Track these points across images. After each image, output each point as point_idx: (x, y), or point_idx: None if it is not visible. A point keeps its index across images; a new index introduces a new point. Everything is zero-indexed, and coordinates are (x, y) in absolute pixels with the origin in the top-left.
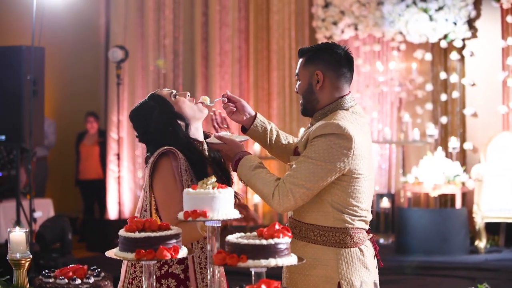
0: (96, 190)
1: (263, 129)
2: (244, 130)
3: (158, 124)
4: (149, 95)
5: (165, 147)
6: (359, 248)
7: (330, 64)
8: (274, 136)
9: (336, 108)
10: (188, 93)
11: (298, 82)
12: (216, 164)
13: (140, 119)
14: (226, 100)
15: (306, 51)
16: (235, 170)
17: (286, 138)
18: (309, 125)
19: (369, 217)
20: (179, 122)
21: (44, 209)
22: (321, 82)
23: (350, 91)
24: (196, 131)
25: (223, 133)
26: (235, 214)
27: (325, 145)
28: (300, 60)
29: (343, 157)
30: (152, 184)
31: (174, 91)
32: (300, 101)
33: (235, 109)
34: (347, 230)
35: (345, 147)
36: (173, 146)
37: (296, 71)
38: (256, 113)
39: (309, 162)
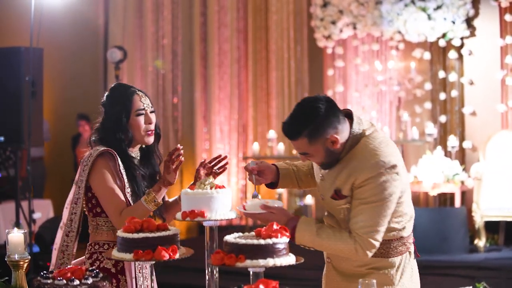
0: None
1: (288, 174)
2: (272, 185)
3: (111, 120)
4: (122, 85)
5: (104, 149)
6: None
7: (332, 120)
8: (298, 173)
9: (356, 140)
10: (151, 123)
11: (304, 156)
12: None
13: (107, 100)
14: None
15: (302, 130)
16: (292, 238)
17: (303, 166)
18: None
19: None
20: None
21: (43, 210)
22: (338, 140)
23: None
24: (133, 146)
25: (257, 201)
26: (233, 214)
27: (379, 185)
28: (300, 140)
29: (397, 187)
30: (89, 181)
31: (143, 109)
32: (319, 164)
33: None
34: (400, 239)
35: (396, 178)
36: (113, 145)
37: (302, 151)
38: (275, 165)
39: (373, 206)
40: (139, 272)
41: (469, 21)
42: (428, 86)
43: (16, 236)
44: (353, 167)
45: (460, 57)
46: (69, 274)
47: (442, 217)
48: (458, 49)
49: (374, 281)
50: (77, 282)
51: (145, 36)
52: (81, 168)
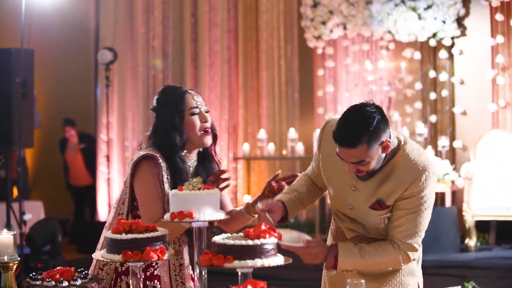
0: (86, 194)
1: (294, 204)
2: (282, 219)
3: (164, 123)
4: (172, 87)
5: (147, 153)
6: None
7: (385, 124)
8: (300, 196)
9: (394, 149)
10: (207, 120)
11: (358, 165)
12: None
13: (157, 104)
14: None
15: (362, 136)
16: (335, 267)
17: (302, 187)
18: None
19: None
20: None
21: (34, 212)
22: (389, 144)
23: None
24: (188, 151)
25: (294, 234)
26: (221, 215)
27: (426, 195)
28: (360, 147)
29: (434, 190)
30: (133, 183)
31: (197, 107)
32: (361, 174)
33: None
34: None
35: (434, 183)
36: (164, 152)
37: (359, 159)
38: (282, 201)
39: (419, 215)
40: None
41: (459, 21)
42: (418, 86)
43: (6, 238)
44: (399, 178)
45: (451, 56)
46: (58, 276)
47: (432, 216)
48: (449, 48)
49: (363, 281)
50: (65, 283)
51: (136, 37)
52: (127, 168)
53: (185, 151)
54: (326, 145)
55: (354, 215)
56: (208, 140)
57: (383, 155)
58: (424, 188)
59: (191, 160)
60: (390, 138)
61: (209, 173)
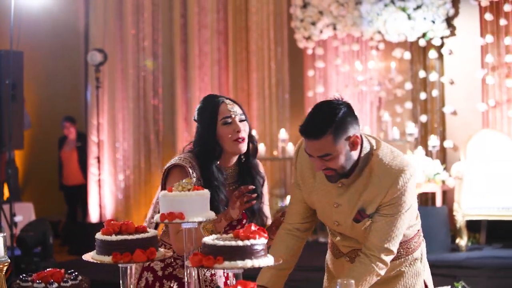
0: (78, 194)
1: (283, 276)
2: None
3: (201, 131)
4: (210, 96)
5: (179, 162)
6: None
7: (353, 119)
8: (284, 266)
9: (367, 156)
10: (239, 130)
11: (324, 159)
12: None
13: (197, 112)
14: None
15: (327, 127)
16: None
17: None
18: (340, 184)
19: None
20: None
21: (25, 213)
22: (358, 141)
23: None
24: (226, 160)
25: None
26: (212, 215)
27: (406, 198)
28: (324, 139)
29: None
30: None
31: (230, 116)
32: (330, 173)
33: None
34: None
35: (414, 184)
36: (199, 160)
37: (325, 152)
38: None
39: (398, 218)
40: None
41: (449, 21)
42: (408, 86)
43: None
44: (377, 184)
45: (440, 56)
46: (48, 277)
47: (423, 216)
48: (438, 48)
49: (353, 281)
50: (56, 285)
51: (126, 38)
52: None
53: (219, 160)
54: (303, 167)
55: (342, 230)
56: (242, 146)
57: (352, 153)
58: (404, 191)
59: (229, 170)
60: (359, 136)
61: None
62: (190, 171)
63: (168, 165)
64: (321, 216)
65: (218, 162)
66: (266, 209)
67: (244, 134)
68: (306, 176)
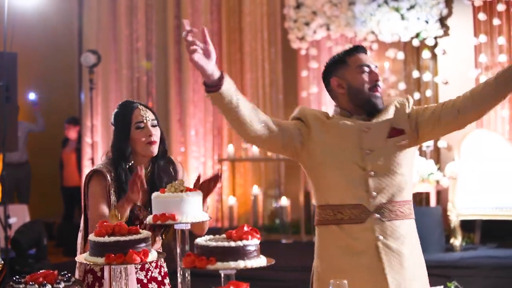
0: (76, 196)
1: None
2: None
3: (116, 132)
4: (125, 102)
5: (97, 168)
6: None
7: None
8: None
9: None
10: (151, 135)
11: (377, 69)
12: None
13: (113, 117)
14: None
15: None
16: None
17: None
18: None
19: None
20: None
21: (19, 215)
22: None
23: None
24: (139, 162)
25: None
26: (205, 217)
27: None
28: (370, 54)
29: None
30: (86, 194)
31: (142, 122)
32: (378, 92)
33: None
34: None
35: None
36: (113, 160)
37: (376, 64)
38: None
39: None
40: None
41: (442, 21)
42: (402, 86)
43: None
44: (395, 101)
45: (434, 56)
46: (41, 279)
47: (417, 216)
48: (432, 48)
49: (345, 281)
50: (49, 286)
51: (119, 40)
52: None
53: (132, 162)
54: (315, 113)
55: (375, 158)
56: (153, 149)
57: None
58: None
59: (145, 170)
60: None
61: (155, 185)
62: (108, 175)
63: (88, 172)
64: (341, 155)
65: (130, 164)
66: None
67: (155, 138)
68: (321, 119)
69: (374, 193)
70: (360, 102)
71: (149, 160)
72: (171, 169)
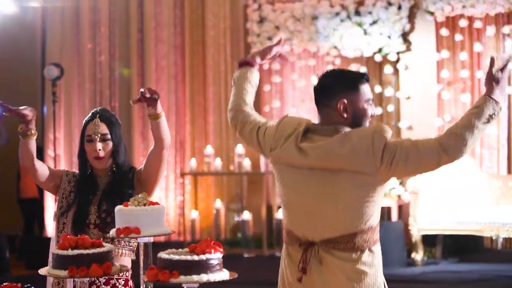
0: (34, 208)
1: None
2: None
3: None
4: (93, 112)
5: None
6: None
7: None
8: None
9: None
10: (100, 147)
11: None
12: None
13: None
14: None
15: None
16: None
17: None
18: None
19: None
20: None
21: None
22: None
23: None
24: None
25: None
26: (168, 230)
27: None
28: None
29: None
30: None
31: (91, 135)
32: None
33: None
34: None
35: None
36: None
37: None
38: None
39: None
40: None
41: (405, 36)
42: None
43: None
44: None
45: (396, 71)
46: None
47: (379, 231)
48: (394, 63)
49: None
50: None
51: (83, 53)
52: None
53: (90, 169)
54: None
55: None
56: (97, 164)
57: None
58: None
59: (103, 177)
60: None
61: (120, 191)
62: (66, 178)
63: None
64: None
65: (90, 171)
66: None
67: (102, 153)
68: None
69: None
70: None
71: (107, 169)
72: (129, 180)
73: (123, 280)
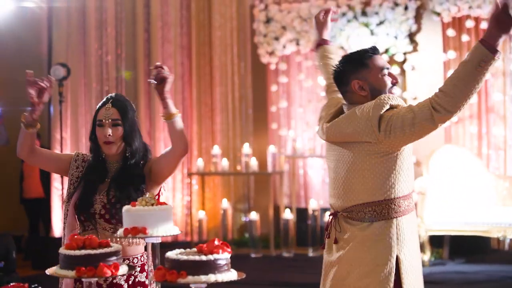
0: (39, 208)
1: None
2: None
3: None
4: (107, 98)
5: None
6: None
7: None
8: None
9: None
10: (109, 133)
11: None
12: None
13: None
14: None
15: None
16: None
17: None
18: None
19: None
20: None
21: None
22: None
23: None
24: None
25: None
26: (176, 230)
27: None
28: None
29: None
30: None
31: (103, 119)
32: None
33: None
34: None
35: None
36: (90, 150)
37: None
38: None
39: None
40: None
41: (411, 36)
42: None
43: None
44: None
45: (403, 72)
46: None
47: None
48: (401, 64)
49: None
50: None
51: (89, 53)
52: None
53: (103, 154)
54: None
55: None
56: (107, 148)
57: None
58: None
59: (114, 163)
60: None
61: (130, 178)
62: (75, 164)
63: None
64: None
65: (103, 156)
66: None
67: (111, 138)
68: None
69: None
70: None
71: (118, 156)
72: (140, 168)
73: (138, 267)
